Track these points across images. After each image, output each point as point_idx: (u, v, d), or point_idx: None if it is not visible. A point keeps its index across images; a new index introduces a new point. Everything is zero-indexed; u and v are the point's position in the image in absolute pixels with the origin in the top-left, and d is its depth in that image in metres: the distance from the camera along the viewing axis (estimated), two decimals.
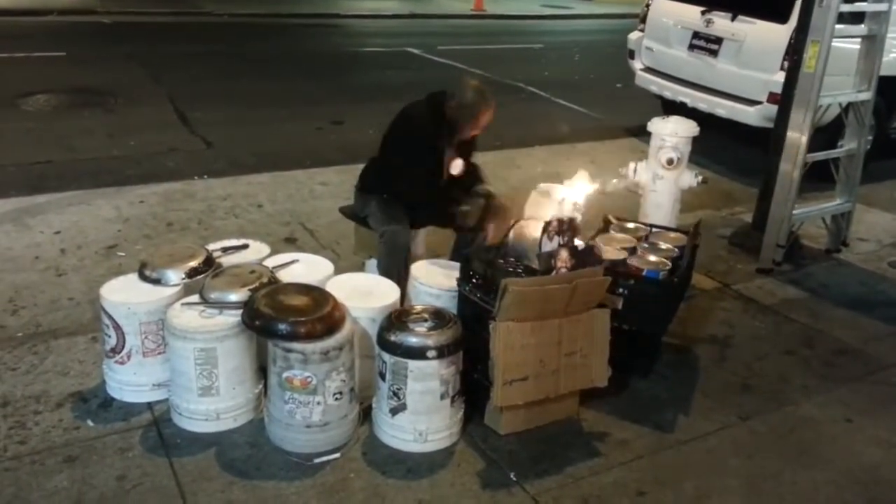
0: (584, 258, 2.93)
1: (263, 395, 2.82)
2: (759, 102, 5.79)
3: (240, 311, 2.67)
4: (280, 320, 2.55)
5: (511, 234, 3.08)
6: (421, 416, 2.67)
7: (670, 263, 3.25)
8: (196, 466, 2.57)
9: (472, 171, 3.58)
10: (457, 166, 3.42)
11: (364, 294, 2.94)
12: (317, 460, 2.61)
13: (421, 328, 2.65)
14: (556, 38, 13.51)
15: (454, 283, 2.98)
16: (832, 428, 3.02)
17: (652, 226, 3.69)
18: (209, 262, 3.01)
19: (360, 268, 3.60)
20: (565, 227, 2.89)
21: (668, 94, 6.62)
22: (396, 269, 3.22)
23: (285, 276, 3.03)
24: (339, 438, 2.69)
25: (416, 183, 3.29)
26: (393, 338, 2.62)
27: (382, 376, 2.68)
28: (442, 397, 2.67)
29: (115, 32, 10.98)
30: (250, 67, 9.18)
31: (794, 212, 4.30)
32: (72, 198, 4.82)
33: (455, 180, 3.48)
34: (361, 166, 3.64)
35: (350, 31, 13.09)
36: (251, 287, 2.78)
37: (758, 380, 3.31)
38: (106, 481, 2.48)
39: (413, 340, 2.60)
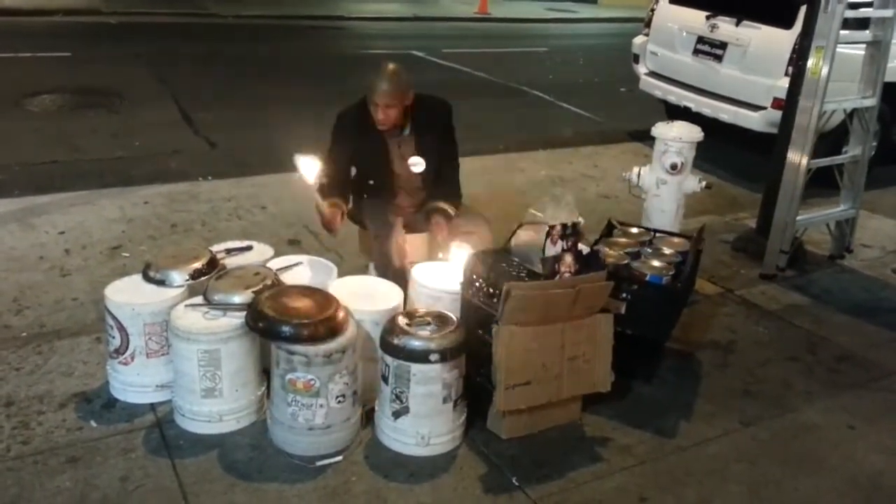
0: (588, 263, 2.93)
1: (266, 398, 2.83)
2: (764, 108, 5.79)
3: (243, 313, 2.67)
4: (283, 322, 2.55)
5: (515, 238, 3.08)
6: (423, 420, 2.67)
7: (674, 268, 3.25)
8: (198, 468, 2.58)
9: (440, 186, 3.47)
10: (416, 164, 3.38)
11: (367, 297, 2.94)
12: (319, 463, 2.62)
13: (424, 332, 2.65)
14: (561, 42, 13.51)
15: (456, 286, 2.98)
16: (835, 434, 3.02)
17: (655, 231, 3.69)
18: (213, 264, 3.02)
19: (364, 270, 3.60)
20: (569, 232, 2.90)
21: (672, 99, 6.62)
22: (392, 271, 3.22)
23: (289, 278, 3.03)
24: (341, 441, 2.69)
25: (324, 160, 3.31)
26: (396, 341, 2.62)
27: (385, 379, 2.69)
28: (444, 401, 2.68)
29: (120, 33, 11.02)
30: (255, 69, 9.20)
31: (798, 217, 4.29)
32: (76, 198, 4.84)
33: (423, 182, 3.45)
34: None
35: (354, 34, 13.11)
36: (255, 289, 2.78)
37: (760, 386, 3.31)
38: (109, 482, 2.48)
39: (416, 344, 2.61)
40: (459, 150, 3.56)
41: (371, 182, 3.42)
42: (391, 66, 3.27)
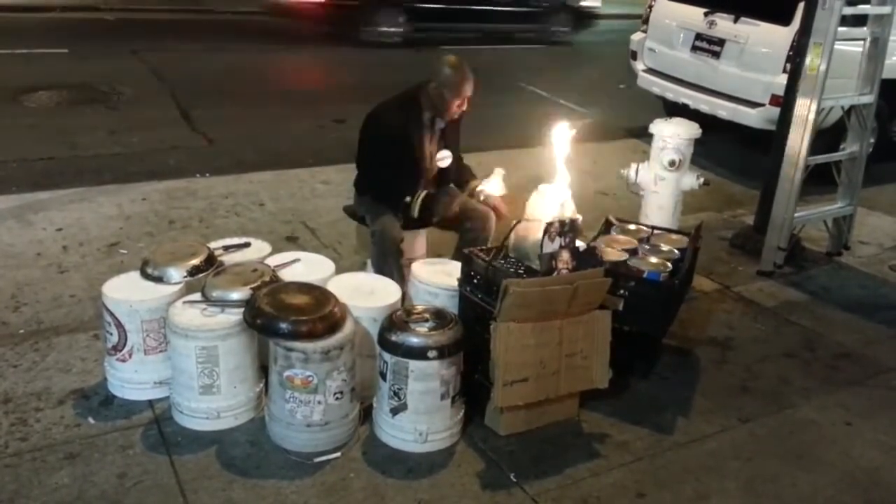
0: (586, 259, 2.93)
1: (264, 394, 2.83)
2: (762, 105, 5.78)
3: (241, 310, 2.67)
4: (281, 319, 2.55)
5: (513, 235, 3.08)
6: (421, 417, 2.67)
7: (671, 265, 3.25)
8: (196, 464, 2.58)
9: (460, 168, 3.57)
10: (444, 158, 3.39)
11: (365, 293, 2.94)
12: (317, 459, 2.62)
13: (422, 328, 2.65)
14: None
15: (453, 282, 2.99)
16: (832, 431, 3.02)
17: (653, 227, 3.69)
18: (211, 261, 3.01)
19: (362, 267, 3.61)
20: (567, 229, 2.90)
21: (670, 96, 6.62)
22: (389, 269, 3.22)
23: (287, 274, 3.03)
24: (339, 438, 2.69)
25: (394, 180, 3.30)
26: (394, 338, 2.63)
27: (383, 376, 2.69)
28: (442, 397, 2.68)
29: (117, 29, 10.99)
30: (252, 65, 9.18)
31: (796, 214, 4.30)
32: (74, 195, 4.83)
33: (445, 176, 3.47)
34: None
35: None
36: (253, 286, 2.78)
37: (758, 382, 3.31)
38: (107, 479, 2.48)
39: (414, 340, 2.61)
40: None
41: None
42: (453, 57, 3.31)
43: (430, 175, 3.44)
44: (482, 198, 3.48)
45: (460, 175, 3.60)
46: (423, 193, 3.31)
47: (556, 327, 2.71)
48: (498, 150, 6.25)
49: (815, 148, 4.22)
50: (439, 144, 3.41)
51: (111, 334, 2.84)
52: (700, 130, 3.96)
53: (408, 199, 3.30)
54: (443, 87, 3.24)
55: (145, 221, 4.54)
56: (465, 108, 3.32)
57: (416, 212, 3.31)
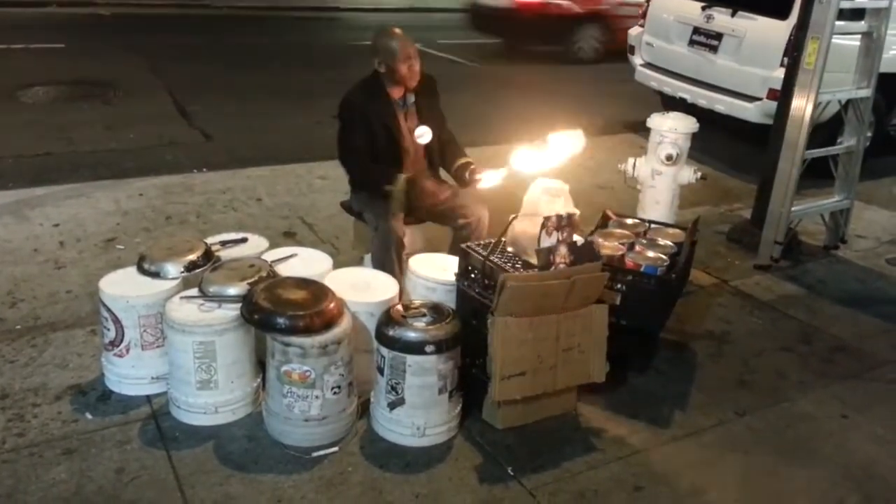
0: (583, 254, 2.93)
1: (262, 389, 2.83)
2: (759, 99, 5.78)
3: (238, 305, 2.67)
4: (279, 314, 2.55)
5: (510, 230, 3.08)
6: (419, 411, 2.68)
7: (668, 259, 3.26)
8: (194, 459, 2.58)
9: (452, 147, 3.54)
10: (423, 135, 3.36)
11: (363, 288, 2.94)
12: (315, 454, 2.62)
13: (419, 323, 2.65)
14: None
15: (451, 277, 2.99)
16: (828, 424, 3.03)
17: (651, 222, 3.69)
18: (208, 256, 3.02)
19: (359, 262, 3.60)
20: (564, 223, 2.89)
21: (667, 90, 6.62)
22: (391, 264, 3.22)
23: (284, 270, 3.03)
24: (337, 432, 2.70)
25: (365, 162, 3.31)
26: (391, 332, 2.63)
27: (381, 371, 2.69)
28: (440, 392, 2.68)
29: (114, 24, 10.97)
30: (249, 60, 9.17)
31: (793, 208, 4.30)
32: (70, 190, 4.83)
33: (430, 154, 3.45)
34: None
35: (350, 25, 13.07)
36: (250, 281, 2.78)
37: (754, 376, 3.32)
38: (104, 474, 2.48)
39: (411, 335, 2.61)
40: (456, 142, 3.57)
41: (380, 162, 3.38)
42: (394, 27, 3.34)
43: (413, 153, 3.41)
44: (467, 174, 3.41)
45: (451, 154, 3.53)
46: (404, 177, 3.26)
47: (554, 322, 2.71)
48: (495, 146, 6.24)
49: (812, 142, 4.22)
50: (415, 121, 3.39)
51: (108, 330, 2.84)
52: (697, 124, 3.96)
53: (387, 187, 3.24)
54: (385, 59, 3.27)
55: (142, 217, 4.53)
56: (416, 66, 3.29)
57: (400, 194, 3.24)
